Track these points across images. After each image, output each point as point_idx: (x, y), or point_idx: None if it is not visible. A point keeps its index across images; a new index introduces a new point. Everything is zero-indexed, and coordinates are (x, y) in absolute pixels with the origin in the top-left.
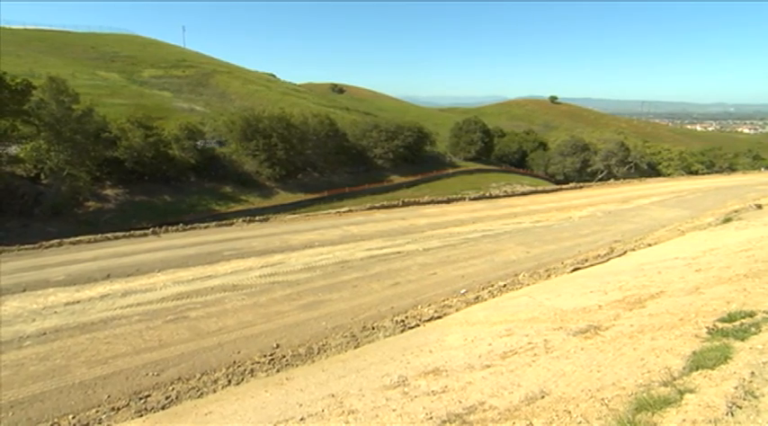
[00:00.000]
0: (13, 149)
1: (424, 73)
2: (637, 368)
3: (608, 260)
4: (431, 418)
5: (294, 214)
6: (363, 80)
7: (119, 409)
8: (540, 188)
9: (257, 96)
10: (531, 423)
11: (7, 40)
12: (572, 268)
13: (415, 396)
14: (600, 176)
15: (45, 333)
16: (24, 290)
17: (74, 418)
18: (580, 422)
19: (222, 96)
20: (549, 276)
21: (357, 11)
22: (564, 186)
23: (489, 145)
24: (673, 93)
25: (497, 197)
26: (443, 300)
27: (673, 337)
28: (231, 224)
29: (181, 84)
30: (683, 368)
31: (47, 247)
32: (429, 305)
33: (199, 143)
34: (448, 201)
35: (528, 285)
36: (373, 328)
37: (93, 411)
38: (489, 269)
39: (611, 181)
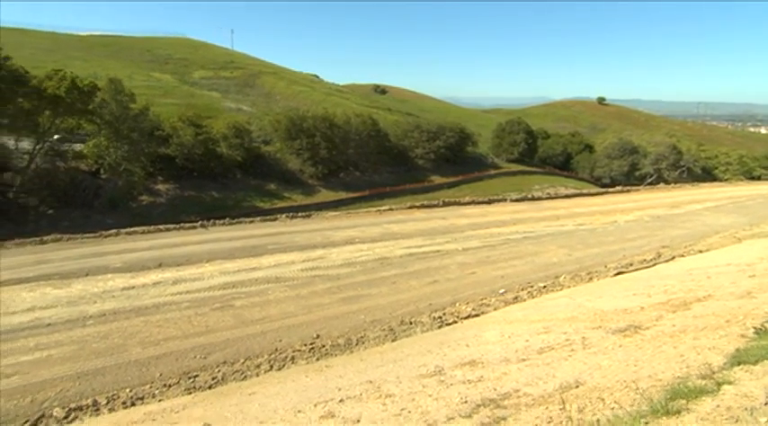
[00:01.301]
0: (78, 146)
1: (466, 73)
2: (675, 364)
3: (654, 265)
4: (465, 402)
5: (335, 211)
6: (405, 81)
7: (170, 386)
8: (584, 191)
9: (301, 96)
10: (564, 408)
11: (75, 46)
12: (615, 272)
13: (451, 384)
14: (649, 180)
15: (105, 315)
16: (87, 275)
17: (131, 391)
18: (613, 408)
19: (268, 96)
20: (590, 279)
21: (400, 11)
22: (610, 189)
23: (533, 146)
24: (734, 94)
25: (540, 199)
26: (482, 299)
27: (717, 337)
28: (275, 219)
29: (229, 85)
30: (724, 364)
31: (106, 236)
32: (467, 303)
33: (245, 141)
34: (489, 202)
35: (568, 287)
36: (411, 323)
37: (147, 386)
38: (529, 270)
39: (661, 185)
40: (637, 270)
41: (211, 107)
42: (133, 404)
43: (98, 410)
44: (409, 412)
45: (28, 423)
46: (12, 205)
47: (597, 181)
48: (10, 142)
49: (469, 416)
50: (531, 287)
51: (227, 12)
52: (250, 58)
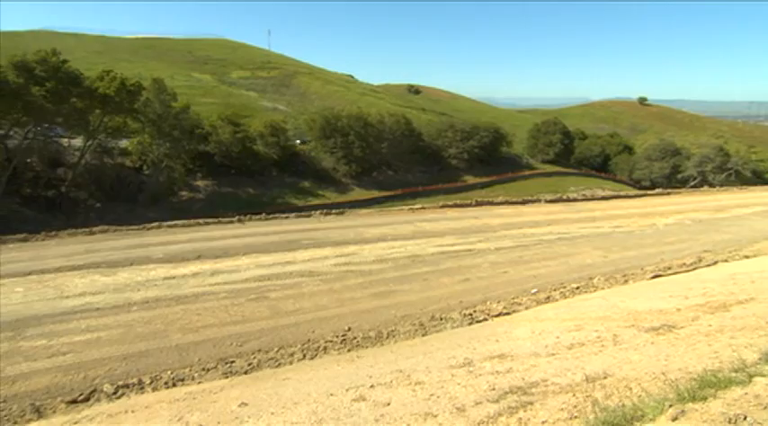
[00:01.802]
0: (123, 143)
1: (502, 73)
2: (708, 359)
3: (695, 269)
4: (493, 389)
5: (368, 209)
6: (440, 81)
7: (208, 370)
8: (622, 193)
9: (336, 96)
10: (590, 395)
11: (122, 48)
12: (652, 275)
13: (480, 374)
14: (692, 183)
15: (148, 302)
16: (132, 264)
17: (172, 373)
18: (640, 396)
19: (303, 96)
20: (626, 281)
21: (434, 10)
22: (649, 192)
23: (569, 147)
24: None
25: (575, 200)
26: (513, 298)
27: (755, 336)
28: (309, 215)
29: (266, 85)
30: (759, 360)
31: (149, 229)
32: (498, 301)
33: (281, 139)
34: (523, 203)
35: (602, 289)
36: (441, 319)
37: (187, 369)
38: (563, 271)
39: (705, 188)
40: (676, 273)
41: (248, 106)
42: (174, 385)
43: (143, 388)
44: (438, 397)
45: (82, 396)
46: (64, 198)
47: (636, 184)
48: (64, 139)
49: (497, 401)
50: (564, 287)
51: (264, 13)
52: (286, 59)
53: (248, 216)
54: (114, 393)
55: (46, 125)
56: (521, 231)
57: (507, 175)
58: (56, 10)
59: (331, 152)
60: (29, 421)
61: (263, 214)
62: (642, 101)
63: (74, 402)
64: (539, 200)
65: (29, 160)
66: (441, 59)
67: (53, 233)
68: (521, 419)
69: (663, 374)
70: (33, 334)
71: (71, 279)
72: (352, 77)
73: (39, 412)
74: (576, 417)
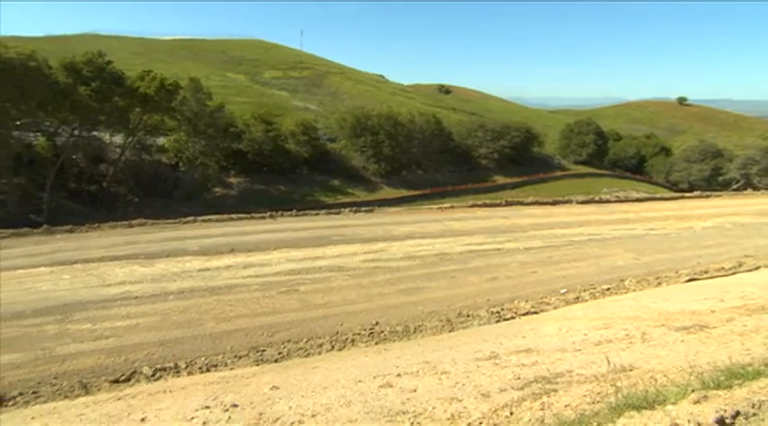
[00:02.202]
0: (160, 140)
1: (533, 73)
2: (739, 356)
3: (734, 273)
4: (518, 378)
5: (397, 207)
6: (470, 81)
7: (240, 357)
8: (657, 195)
9: (367, 96)
10: (614, 384)
11: (160, 49)
12: (687, 278)
13: (506, 366)
14: (735, 186)
15: (183, 292)
16: (168, 256)
17: (205, 359)
18: (664, 385)
19: (334, 96)
20: (659, 284)
21: (465, 9)
22: (687, 194)
23: (603, 148)
24: None
25: (608, 202)
26: (541, 298)
27: None
28: (339, 212)
29: (297, 85)
30: None
31: (184, 223)
32: (526, 301)
33: (312, 138)
34: (554, 203)
35: (634, 291)
36: (468, 316)
37: (220, 356)
38: (593, 272)
39: (749, 191)
40: (713, 277)
41: (281, 106)
42: (208, 370)
43: (179, 372)
44: (463, 384)
45: (123, 376)
46: (105, 193)
47: (673, 186)
48: (106, 137)
49: (521, 388)
50: (594, 288)
51: (297, 13)
52: (318, 59)
53: (279, 212)
54: (152, 375)
55: (90, 123)
56: (551, 232)
57: (538, 176)
58: (100, 13)
59: (361, 151)
60: (77, 396)
61: (294, 210)
62: (682, 100)
63: (116, 381)
64: (570, 201)
65: (74, 156)
66: (471, 59)
67: (96, 225)
68: (544, 403)
69: (690, 367)
70: (79, 318)
71: (112, 268)
72: (383, 77)
73: (86, 389)
74: (598, 402)
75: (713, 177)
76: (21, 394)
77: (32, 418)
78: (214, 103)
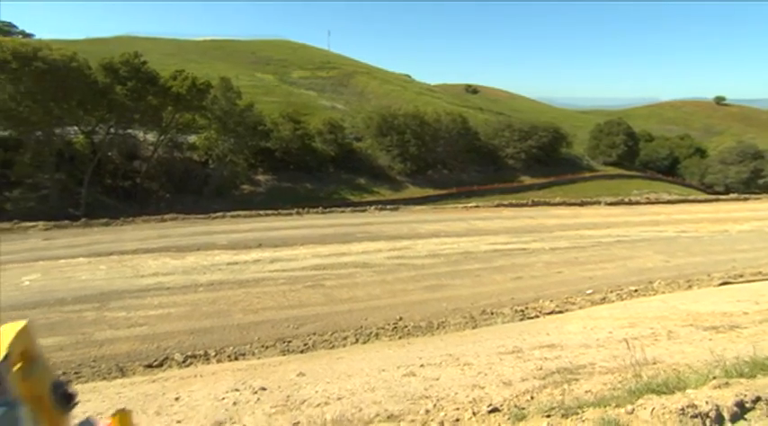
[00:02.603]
0: (192, 138)
1: (563, 74)
2: None
3: None
4: (541, 369)
5: (422, 206)
6: (498, 81)
7: (267, 347)
8: (691, 197)
9: (393, 96)
10: (637, 374)
11: (192, 50)
12: (720, 282)
13: (528, 359)
14: None
15: (213, 284)
16: (198, 250)
17: (234, 348)
18: (688, 375)
19: (361, 95)
20: (690, 287)
21: (494, 9)
22: (722, 197)
23: (633, 149)
24: None
25: (638, 203)
26: (567, 298)
27: None
28: (364, 210)
29: (324, 84)
30: None
31: (214, 218)
32: (551, 300)
33: (338, 137)
34: (581, 204)
35: (663, 293)
36: (492, 313)
37: (248, 346)
38: (620, 274)
39: None
40: (748, 282)
41: (308, 105)
42: (236, 358)
43: (208, 359)
44: (486, 374)
45: (156, 362)
46: (138, 188)
47: (708, 189)
48: (140, 135)
49: (543, 378)
50: (621, 290)
51: (325, 14)
52: (345, 59)
53: (306, 209)
54: (183, 361)
55: (125, 121)
56: (577, 232)
57: (566, 177)
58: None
59: (387, 150)
60: (115, 377)
61: (320, 208)
62: (719, 100)
63: (149, 366)
64: (598, 202)
65: (110, 153)
66: (500, 59)
67: (130, 219)
68: (564, 390)
69: (715, 361)
70: (115, 307)
71: (145, 260)
72: (410, 77)
73: (122, 372)
74: (618, 389)
75: (752, 180)
76: (64, 373)
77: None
78: (243, 102)
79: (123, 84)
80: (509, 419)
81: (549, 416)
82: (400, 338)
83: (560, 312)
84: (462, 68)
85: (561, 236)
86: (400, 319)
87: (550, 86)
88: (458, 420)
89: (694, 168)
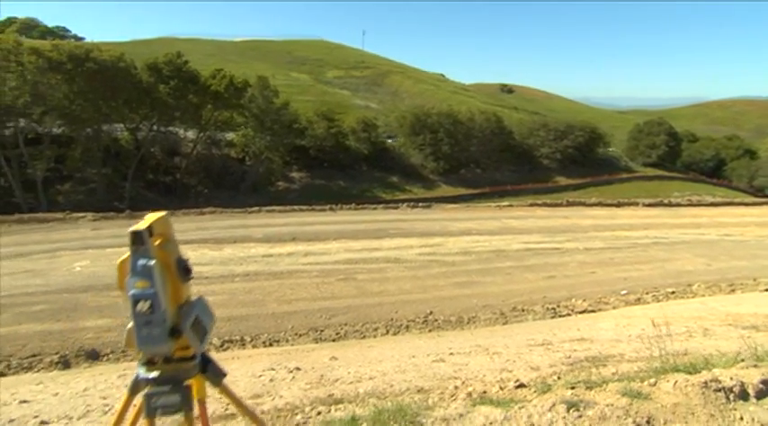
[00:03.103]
0: (229, 136)
1: (602, 73)
2: None
3: None
4: (569, 357)
5: (455, 205)
6: (534, 80)
7: (300, 335)
8: (737, 200)
9: (427, 95)
10: (666, 361)
11: (230, 50)
12: (767, 287)
13: (558, 351)
14: None
15: (248, 275)
16: (235, 242)
17: (268, 336)
18: (716, 359)
19: (395, 95)
20: (732, 291)
21: (528, 9)
22: None
23: (675, 150)
24: None
25: (678, 205)
26: (600, 298)
27: None
28: (397, 207)
29: (359, 84)
30: None
31: (250, 212)
32: (584, 299)
33: (372, 135)
34: (618, 205)
35: (703, 296)
36: (523, 310)
37: (282, 333)
38: (657, 275)
39: None
40: None
41: (342, 104)
42: (271, 345)
43: (244, 344)
44: (514, 361)
45: None
46: (178, 184)
47: (758, 192)
48: (180, 132)
49: (570, 364)
50: (657, 291)
51: (360, 14)
52: (379, 58)
53: (339, 205)
54: (221, 345)
55: (167, 119)
56: (613, 233)
57: (603, 177)
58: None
59: (419, 148)
60: None
61: (353, 204)
62: None
63: None
64: (636, 203)
65: (152, 150)
66: (536, 58)
67: (170, 211)
68: (591, 372)
69: (747, 349)
70: None
71: (185, 251)
72: (444, 76)
73: None
74: (644, 371)
75: None
76: (112, 352)
77: (124, 370)
78: (280, 101)
79: (166, 82)
80: (534, 392)
81: (573, 388)
82: (430, 331)
83: (593, 311)
84: (497, 68)
85: (596, 237)
86: (430, 313)
87: (588, 86)
88: (485, 392)
89: (743, 170)
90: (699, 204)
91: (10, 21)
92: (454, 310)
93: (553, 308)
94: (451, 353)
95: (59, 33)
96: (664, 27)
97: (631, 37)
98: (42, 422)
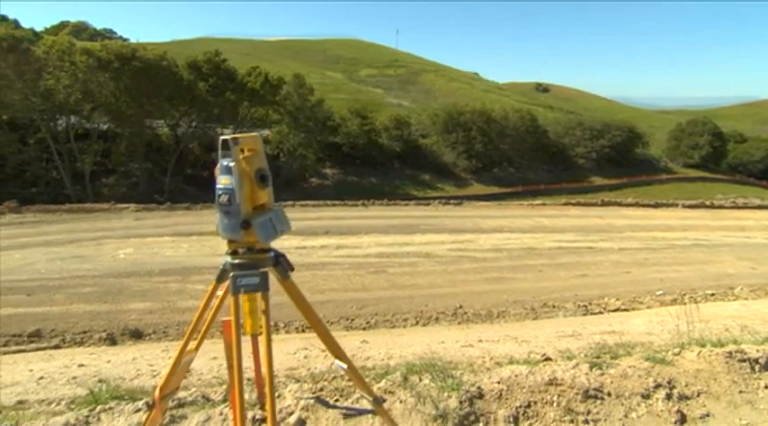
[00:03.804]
0: (264, 132)
1: (643, 72)
2: None
3: None
4: (598, 344)
5: (486, 202)
6: (571, 79)
7: (331, 323)
8: None
9: (459, 93)
10: (693, 338)
11: (266, 50)
12: None
13: (587, 341)
14: None
15: None
16: None
17: (300, 323)
18: (744, 341)
19: (427, 93)
20: None
21: (563, 9)
22: None
23: (720, 150)
24: None
25: (721, 207)
26: (634, 297)
27: None
28: (428, 204)
29: (391, 82)
30: None
31: (284, 206)
32: (617, 298)
33: (404, 133)
34: (656, 206)
35: (745, 299)
36: (554, 307)
37: None
38: (696, 277)
39: None
40: None
41: (375, 102)
42: (303, 331)
43: (277, 330)
44: (543, 347)
45: None
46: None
47: None
48: (218, 129)
49: (599, 348)
50: (696, 293)
51: (394, 13)
52: (413, 57)
53: (371, 200)
54: None
55: (205, 116)
56: (650, 234)
57: (640, 178)
58: (216, 17)
59: (452, 146)
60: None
61: (386, 200)
62: None
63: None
64: (675, 205)
65: (190, 145)
66: (573, 57)
67: (208, 204)
68: (618, 352)
69: None
70: (195, 280)
71: (222, 241)
72: (477, 75)
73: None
74: (671, 344)
75: None
76: (154, 332)
77: (166, 346)
78: (314, 98)
79: (205, 80)
80: (560, 362)
81: (598, 357)
82: (459, 323)
83: (626, 310)
84: (533, 66)
85: (631, 237)
86: (460, 307)
87: (628, 85)
88: (511, 361)
89: None
90: (745, 207)
91: (63, 24)
92: (484, 304)
93: (585, 306)
94: (480, 340)
95: (107, 35)
96: (713, 25)
97: (675, 35)
98: (100, 380)
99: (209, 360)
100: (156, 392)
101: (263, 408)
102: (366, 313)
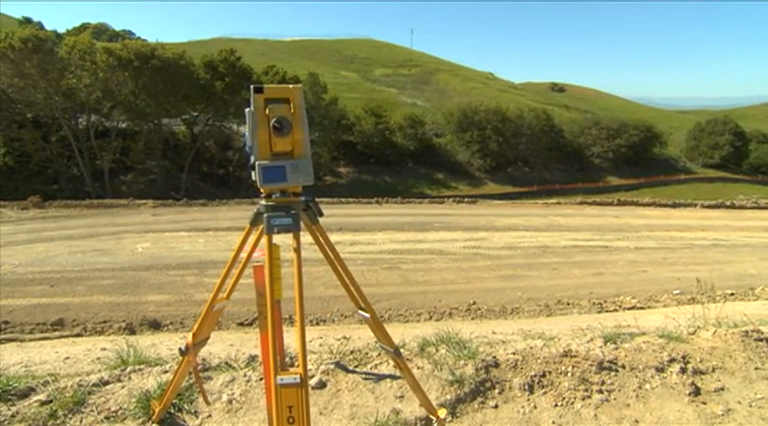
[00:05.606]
0: None
1: (662, 72)
2: None
3: None
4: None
5: (501, 201)
6: (587, 79)
7: (345, 317)
8: None
9: (474, 93)
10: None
11: (281, 50)
12: None
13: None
14: None
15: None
16: None
17: (315, 316)
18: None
19: (442, 93)
20: None
21: (580, 9)
22: None
23: (741, 150)
24: None
25: (742, 207)
26: (650, 296)
27: None
28: (442, 202)
29: (406, 82)
30: None
31: None
32: (633, 297)
33: (419, 132)
34: (674, 206)
35: (766, 299)
36: (568, 304)
37: (328, 314)
38: (715, 277)
39: None
40: None
41: (389, 102)
42: (318, 324)
43: (292, 323)
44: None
45: (247, 321)
46: (230, 176)
47: None
48: (233, 127)
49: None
50: (714, 292)
51: (409, 13)
52: (427, 57)
53: (385, 198)
54: None
55: (221, 114)
56: (667, 233)
57: (658, 178)
58: (231, 18)
59: (467, 145)
60: (213, 330)
61: (400, 198)
62: None
63: (241, 324)
64: (694, 205)
65: (207, 143)
66: (589, 57)
67: (224, 201)
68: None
69: None
70: (211, 274)
71: (237, 236)
72: (493, 75)
73: (218, 326)
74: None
75: None
76: (171, 323)
77: (183, 336)
78: (328, 97)
79: (222, 79)
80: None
81: (612, 341)
82: (473, 319)
83: (642, 308)
84: (548, 66)
85: (648, 236)
86: (474, 303)
87: (649, 86)
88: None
89: None
90: (766, 207)
91: (84, 26)
92: (498, 301)
93: (600, 304)
94: (494, 333)
95: (126, 36)
96: (737, 24)
97: (698, 34)
98: (123, 361)
99: (227, 346)
100: (189, 337)
101: (284, 370)
102: (380, 307)
